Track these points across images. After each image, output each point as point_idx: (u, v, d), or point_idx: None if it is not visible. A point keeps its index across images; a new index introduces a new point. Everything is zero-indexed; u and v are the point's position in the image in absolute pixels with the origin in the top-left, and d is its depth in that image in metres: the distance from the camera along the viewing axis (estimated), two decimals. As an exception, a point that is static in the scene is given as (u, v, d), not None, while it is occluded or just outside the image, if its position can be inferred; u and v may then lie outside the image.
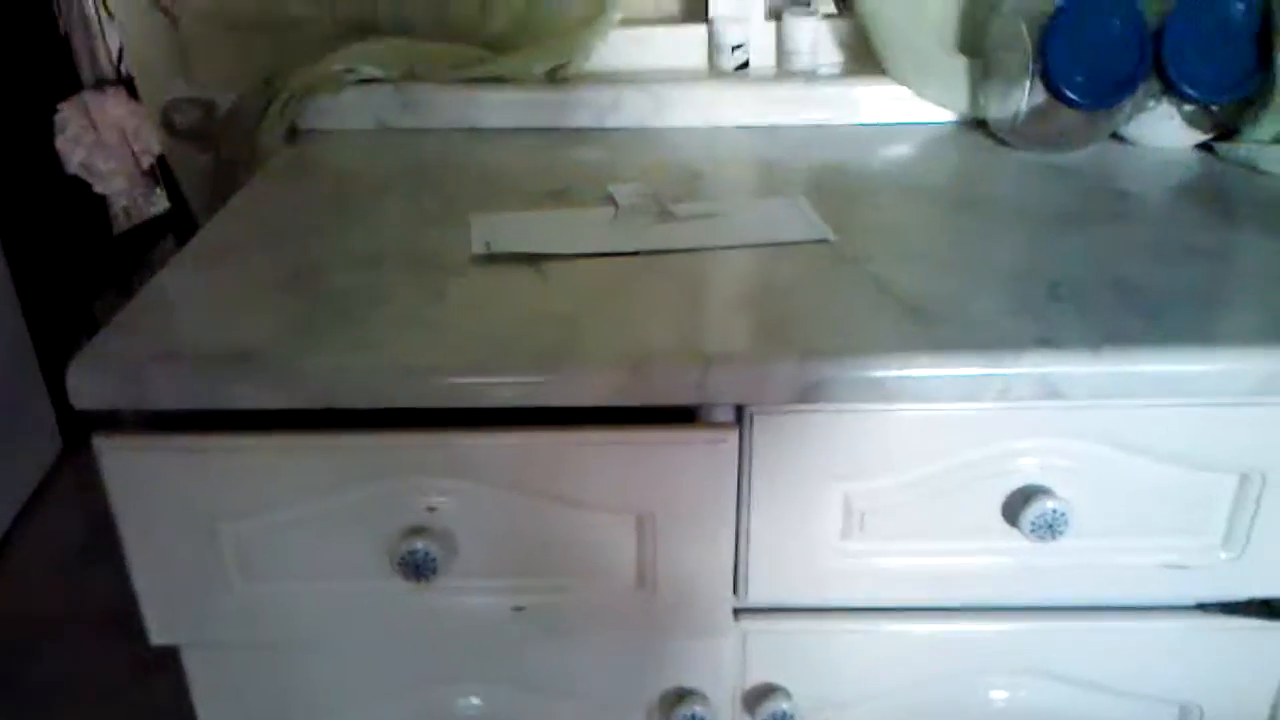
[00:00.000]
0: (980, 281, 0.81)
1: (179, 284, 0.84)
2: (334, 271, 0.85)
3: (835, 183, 1.02)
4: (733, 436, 0.73)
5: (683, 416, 0.74)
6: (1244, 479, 0.76)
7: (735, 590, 0.82)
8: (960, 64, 1.13)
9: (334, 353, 0.72)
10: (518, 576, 0.78)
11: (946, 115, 1.16)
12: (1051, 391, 0.71)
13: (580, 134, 1.16)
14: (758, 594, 0.81)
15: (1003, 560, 0.79)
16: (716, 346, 0.72)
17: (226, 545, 0.77)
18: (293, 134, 1.16)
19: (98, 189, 2.63)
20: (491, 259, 0.87)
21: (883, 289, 0.80)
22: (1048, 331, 0.73)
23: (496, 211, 0.97)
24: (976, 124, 1.15)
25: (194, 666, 0.84)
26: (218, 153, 1.20)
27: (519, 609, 0.79)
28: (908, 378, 0.70)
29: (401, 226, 0.94)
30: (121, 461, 0.74)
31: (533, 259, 0.86)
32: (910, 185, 1.01)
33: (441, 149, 1.13)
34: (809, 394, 0.71)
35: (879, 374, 0.70)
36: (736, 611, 0.83)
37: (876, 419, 0.74)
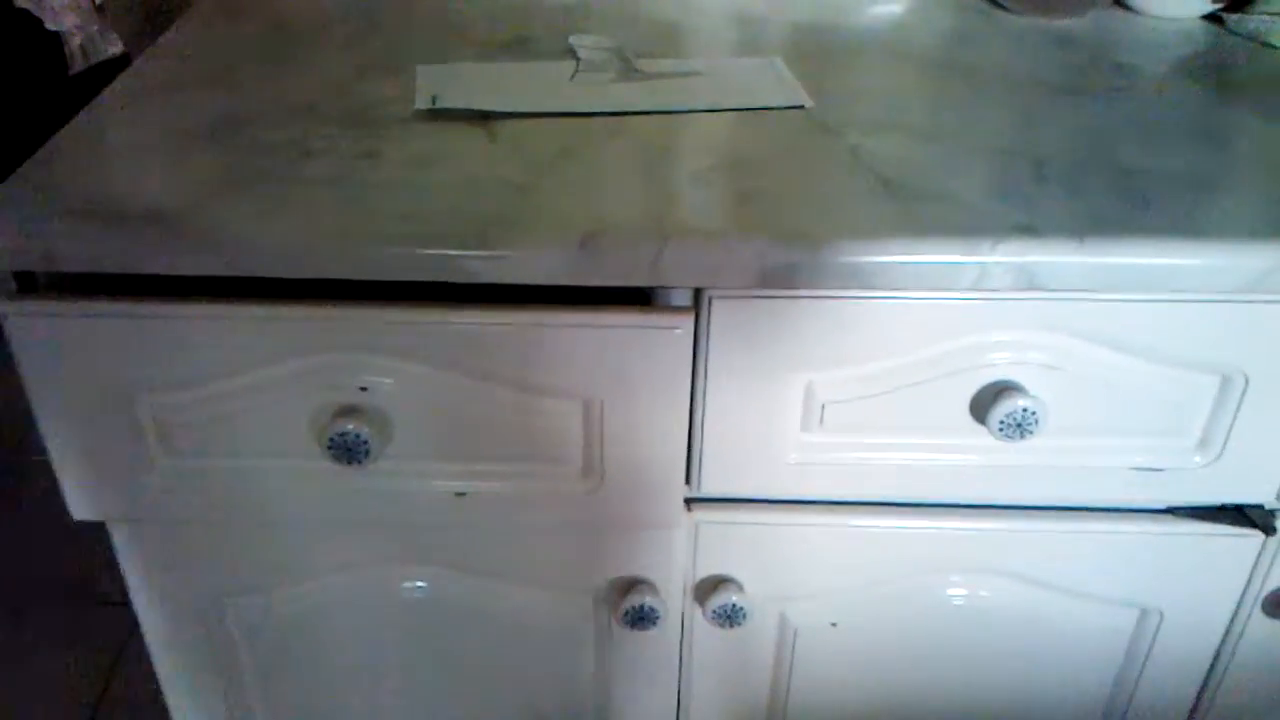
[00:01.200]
0: (962, 157, 0.75)
1: (93, 132, 0.77)
2: (262, 123, 0.77)
3: (817, 43, 0.94)
4: (688, 322, 0.68)
5: (638, 298, 0.69)
6: (1226, 380, 0.72)
7: (688, 480, 0.78)
8: (958, -86, 1.04)
9: (254, 216, 0.66)
10: (459, 461, 0.74)
11: (940, -29, 1.08)
12: (1030, 282, 0.66)
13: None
14: (711, 484, 0.78)
15: (969, 458, 0.76)
16: (674, 223, 0.66)
17: (146, 419, 0.72)
18: (229, -33, 1.06)
19: (49, 25, 2.47)
20: (436, 115, 0.79)
21: (858, 161, 0.74)
22: (1030, 217, 0.67)
23: (446, 62, 0.89)
24: (971, -18, 1.07)
25: (121, 542, 0.80)
26: (148, -15, 1.10)
27: (461, 494, 0.75)
28: (879, 263, 0.65)
29: (340, 74, 0.86)
30: (30, 328, 0.68)
31: (481, 117, 0.79)
32: (896, 48, 0.94)
33: (391, -11, 1.03)
34: (772, 279, 0.65)
35: (849, 259, 0.65)
36: (689, 501, 0.79)
37: (843, 307, 0.69)
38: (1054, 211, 0.68)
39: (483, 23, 0.96)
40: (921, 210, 0.68)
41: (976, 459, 0.76)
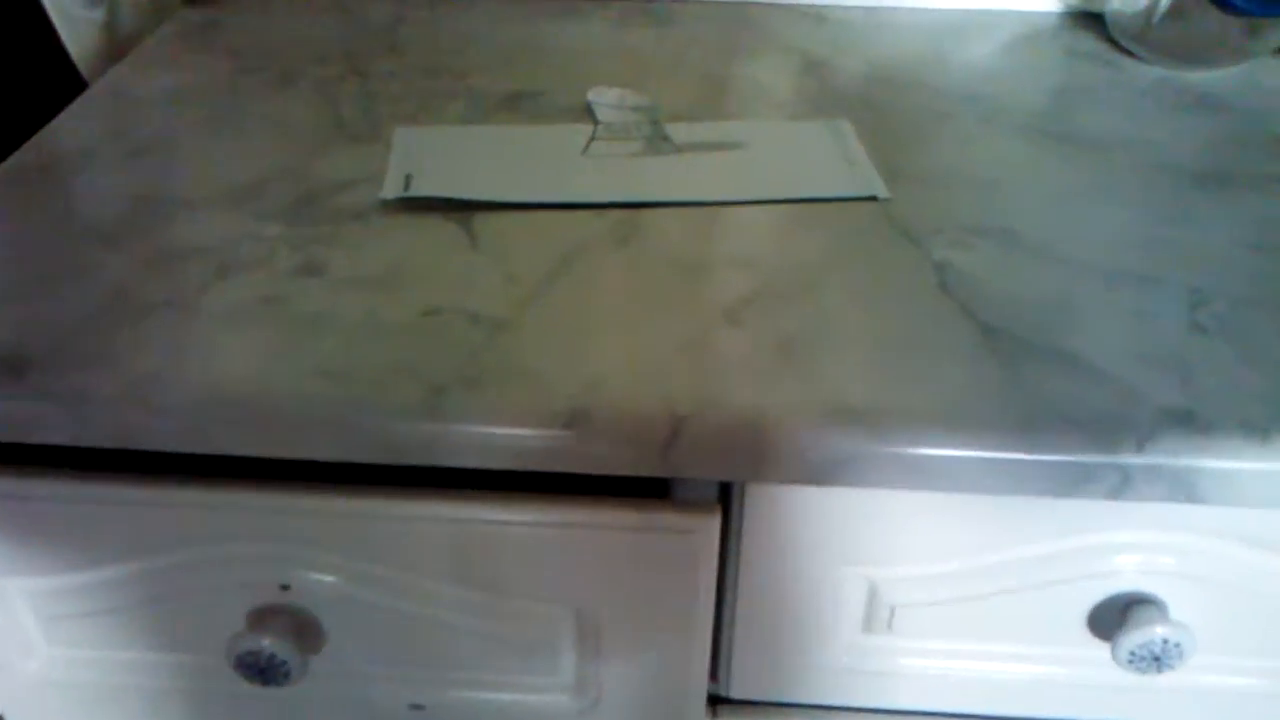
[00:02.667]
0: (1086, 285, 0.56)
1: (-24, 221, 0.61)
2: (183, 217, 0.61)
3: (893, 98, 0.76)
4: (712, 523, 0.50)
5: (649, 482, 0.52)
6: None
7: (714, 675, 0.61)
8: (1076, -65, 0.85)
9: (125, 369, 0.50)
10: (414, 668, 0.58)
11: (1050, 4, 0.88)
12: (1189, 494, 0.47)
13: (568, 4, 0.89)
14: (743, 686, 0.60)
15: (1084, 673, 0.58)
16: (693, 394, 0.49)
17: (20, 606, 0.56)
18: (198, -13, 0.90)
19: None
20: (408, 204, 0.63)
21: (947, 290, 0.56)
22: (1187, 394, 0.49)
23: (434, 123, 0.72)
24: (1088, 19, 0.87)
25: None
26: (111, 7, 0.94)
27: (418, 707, 0.58)
28: (972, 461, 0.47)
29: (301, 139, 0.69)
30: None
31: (465, 207, 0.62)
32: (994, 106, 0.75)
33: (384, 18, 0.86)
34: (825, 474, 0.48)
35: (930, 453, 0.47)
36: (714, 701, 0.62)
37: (919, 500, 0.51)
38: (1220, 385, 0.49)
39: (484, 67, 0.79)
40: (1033, 378, 0.50)
41: (1093, 674, 0.58)
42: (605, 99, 0.74)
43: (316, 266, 0.57)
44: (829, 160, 0.68)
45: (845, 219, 0.62)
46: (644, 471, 0.48)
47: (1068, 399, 0.48)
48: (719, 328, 0.53)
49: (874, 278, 0.57)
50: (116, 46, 0.94)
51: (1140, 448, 0.47)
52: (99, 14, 0.95)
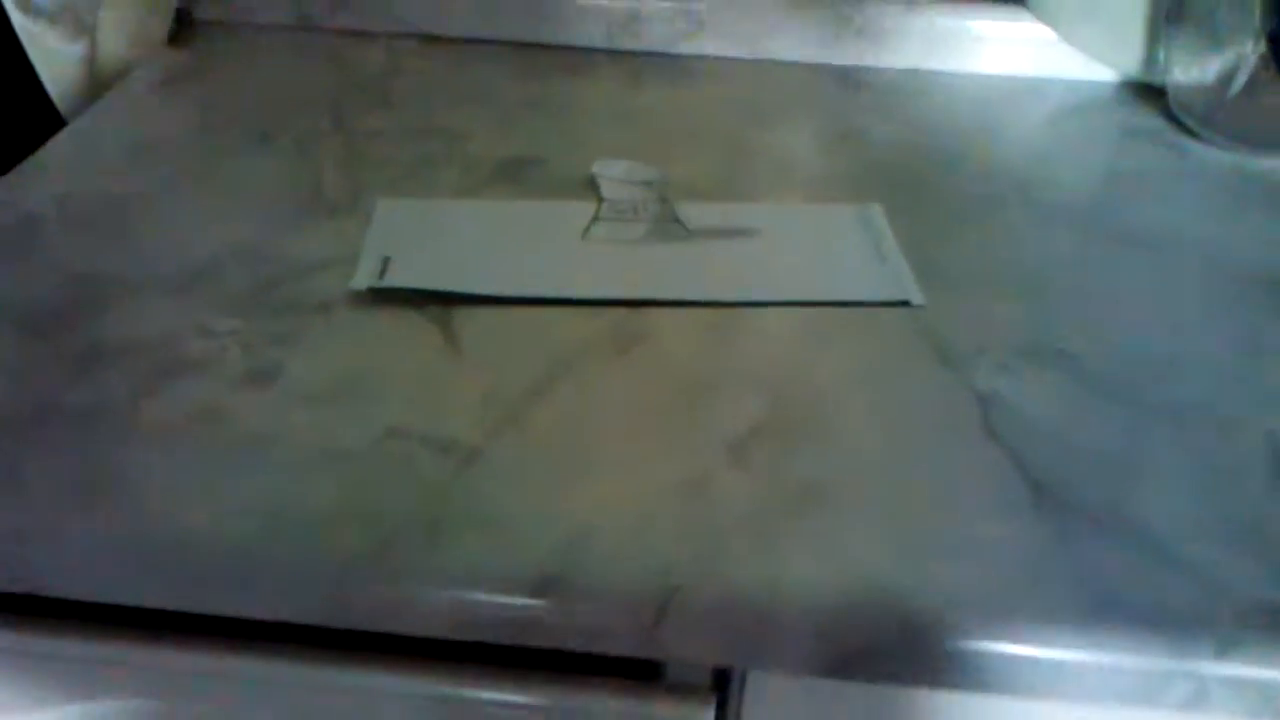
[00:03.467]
0: (1151, 426, 0.49)
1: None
2: (123, 308, 0.54)
3: (932, 177, 0.68)
4: (705, 715, 0.43)
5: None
6: None
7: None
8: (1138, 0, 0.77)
9: (48, 494, 0.43)
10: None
11: (1105, 73, 0.81)
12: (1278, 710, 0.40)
13: (578, 58, 0.82)
14: None
15: None
16: (687, 560, 0.41)
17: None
18: (183, 24, 0.83)
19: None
20: (382, 295, 0.56)
21: (991, 431, 0.48)
22: (1277, 581, 0.41)
23: (421, 193, 0.65)
24: (1147, 92, 0.79)
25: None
26: (91, 43, 0.88)
27: None
28: (1016, 660, 0.39)
29: (272, 209, 0.62)
30: None
31: (445, 300, 0.55)
32: (1043, 192, 0.67)
33: (376, 67, 0.80)
34: (844, 666, 0.40)
35: (965, 646, 0.39)
36: None
37: (951, 700, 0.44)
38: (1315, 571, 0.42)
39: (482, 129, 0.72)
40: (1092, 555, 0.42)
41: None
42: (611, 171, 0.67)
43: (270, 372, 0.50)
44: (857, 253, 0.61)
45: (873, 330, 0.55)
46: (627, 652, 0.41)
47: (1132, 585, 0.41)
48: (723, 468, 0.46)
49: (905, 410, 0.49)
50: (97, 82, 0.87)
51: (1219, 653, 0.39)
52: (79, 48, 0.88)
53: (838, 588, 0.40)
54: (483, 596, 0.41)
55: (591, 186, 0.66)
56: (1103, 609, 0.40)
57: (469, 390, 0.50)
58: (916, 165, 0.70)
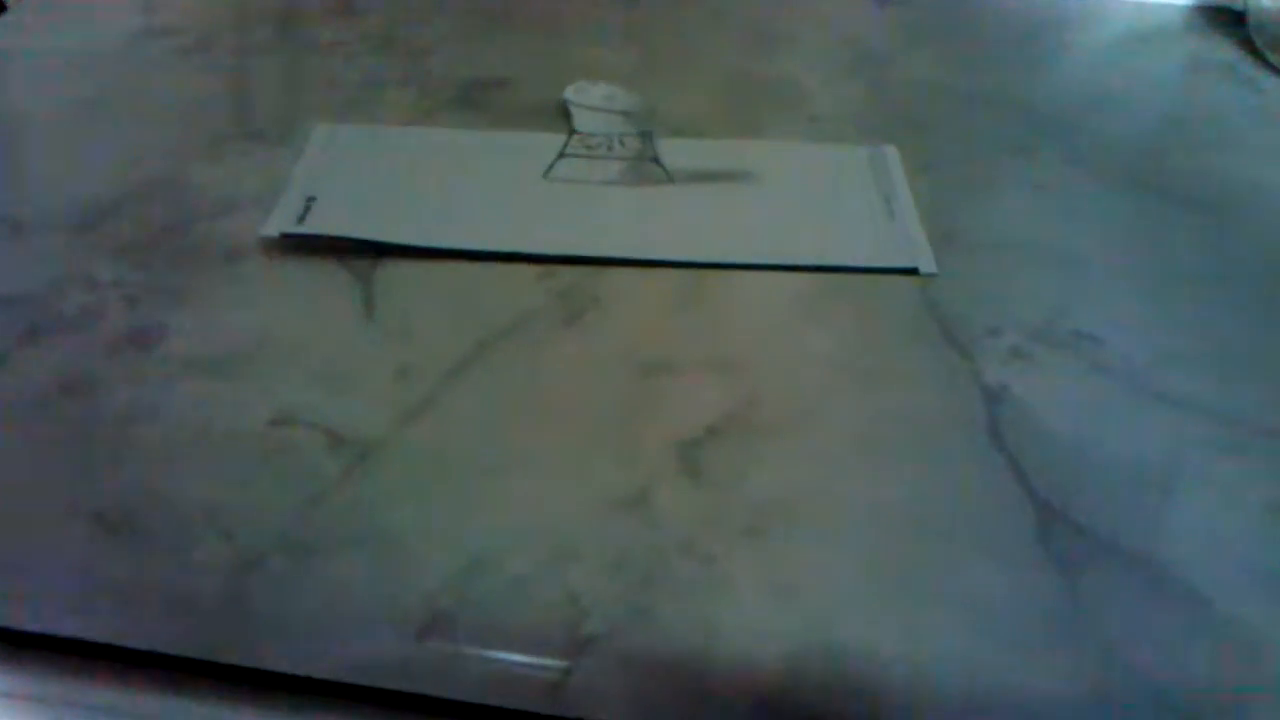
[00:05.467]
0: (1187, 435, 0.40)
1: None
2: (11, 239, 0.47)
3: (961, 117, 0.59)
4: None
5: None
6: None
7: None
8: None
9: None
10: None
11: (1175, -6, 0.70)
12: (1330, 822, 0.32)
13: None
14: None
15: None
16: (608, 600, 0.34)
17: None
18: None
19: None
20: (300, 244, 0.48)
21: (1000, 437, 0.40)
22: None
23: (366, 119, 0.57)
24: (1224, 17, 0.69)
25: None
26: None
27: None
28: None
29: (189, 136, 0.55)
30: None
31: (372, 253, 0.47)
32: (1089, 140, 0.58)
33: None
34: (790, 738, 0.33)
35: (948, 725, 0.32)
36: None
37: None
38: (1389, 646, 0.33)
39: (446, 44, 0.63)
40: (1110, 609, 0.34)
41: None
42: (586, 98, 0.58)
43: (153, 334, 0.43)
44: (864, 207, 0.52)
45: (872, 302, 0.46)
46: (529, 708, 0.34)
47: (1154, 649, 0.33)
48: (669, 476, 0.38)
49: (898, 406, 0.41)
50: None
51: (1263, 754, 0.31)
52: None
53: (790, 643, 0.33)
54: (352, 638, 0.33)
55: (563, 115, 0.57)
56: (1113, 683, 0.32)
57: (381, 365, 0.42)
58: (946, 102, 0.60)
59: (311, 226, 0.48)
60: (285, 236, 0.48)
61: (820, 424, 0.40)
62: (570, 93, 0.58)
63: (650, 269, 0.48)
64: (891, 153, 0.56)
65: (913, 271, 0.48)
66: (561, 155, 0.54)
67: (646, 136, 0.56)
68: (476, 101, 0.58)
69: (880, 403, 0.41)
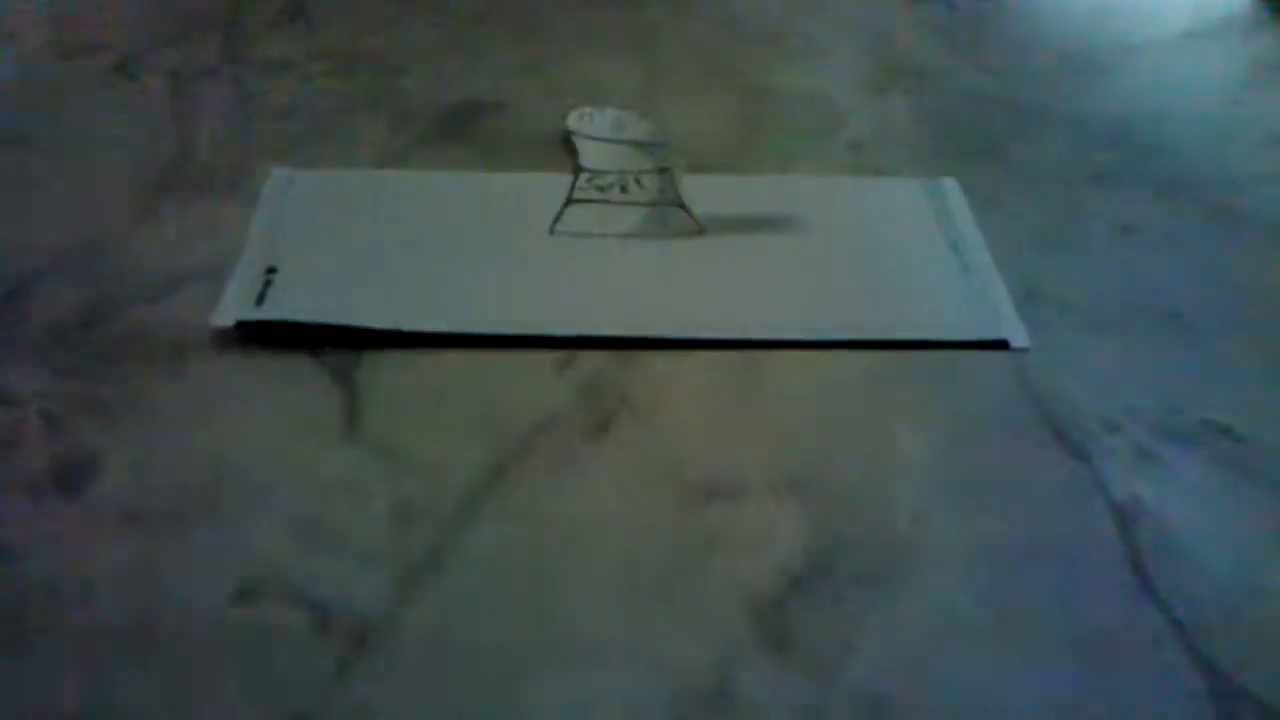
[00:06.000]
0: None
1: None
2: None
3: (1018, 138, 0.51)
4: None
5: None
6: None
7: None
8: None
9: None
10: None
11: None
12: None
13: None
14: None
15: None
16: None
17: None
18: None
19: None
20: (258, 333, 0.39)
21: (1142, 568, 0.32)
22: None
23: (330, 160, 0.47)
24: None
25: None
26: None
27: None
28: None
29: (116, 184, 0.45)
30: None
31: (346, 339, 0.39)
32: (1190, 168, 0.50)
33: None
34: None
35: None
36: None
37: None
38: None
39: (422, 59, 0.54)
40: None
41: None
42: (592, 127, 0.49)
43: (81, 468, 0.34)
44: (930, 257, 0.44)
45: (960, 386, 0.39)
46: None
47: None
48: (751, 652, 0.30)
49: (1017, 533, 0.34)
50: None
51: None
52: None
53: None
54: None
55: (565, 145, 0.49)
56: None
57: (373, 501, 0.33)
58: (1000, 119, 0.52)
59: (275, 309, 0.39)
60: (242, 325, 0.39)
61: (927, 565, 0.33)
62: (573, 121, 0.49)
63: (689, 351, 0.39)
64: (951, 186, 0.48)
65: (1002, 345, 0.40)
66: (569, 201, 0.46)
67: (666, 174, 0.47)
68: (461, 132, 0.49)
69: (993, 531, 0.34)
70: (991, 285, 0.43)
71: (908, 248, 0.45)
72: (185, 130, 0.48)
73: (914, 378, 0.39)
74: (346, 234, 0.43)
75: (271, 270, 0.41)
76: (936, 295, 0.42)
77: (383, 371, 0.38)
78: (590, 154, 0.48)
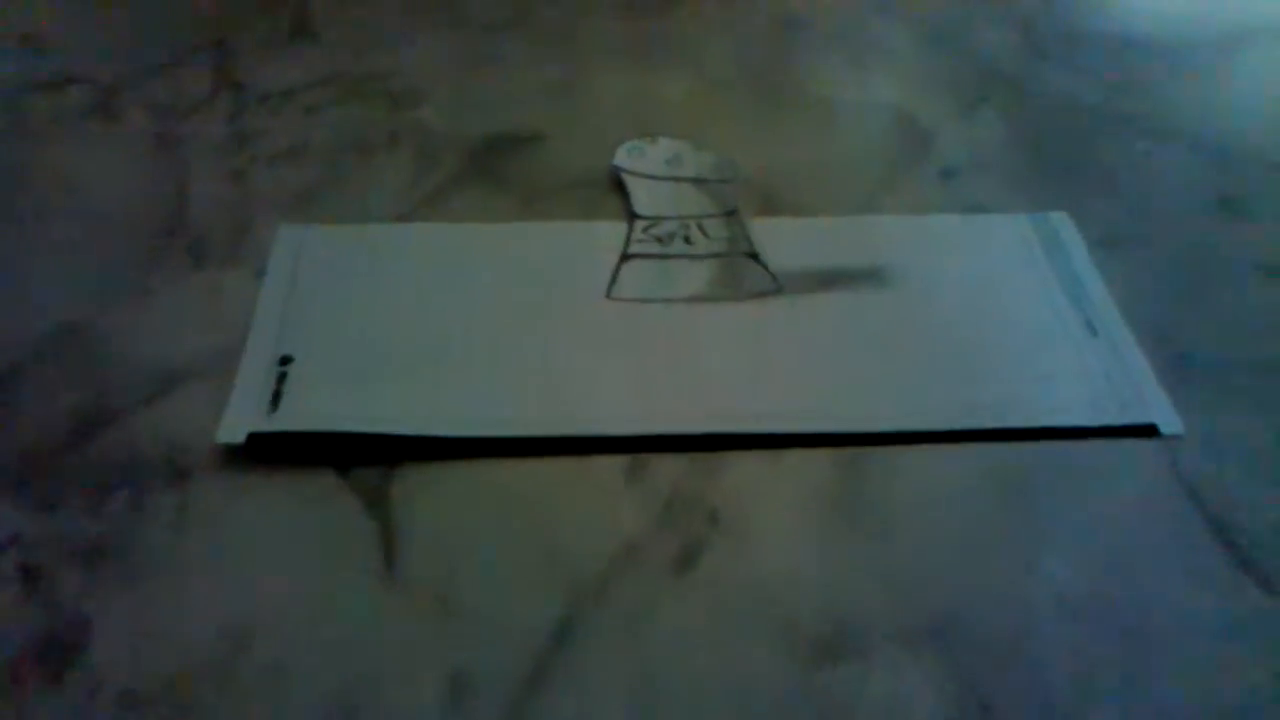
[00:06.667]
0: None
1: None
2: None
3: (1124, 155, 0.45)
4: None
5: None
6: None
7: None
8: None
9: None
10: None
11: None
12: None
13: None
14: None
15: None
16: None
17: None
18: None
19: None
20: (265, 449, 0.33)
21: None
22: None
23: (344, 212, 0.41)
24: None
25: None
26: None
27: None
28: None
29: (94, 253, 0.39)
30: None
31: (382, 454, 0.32)
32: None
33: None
34: None
35: None
36: None
37: None
38: None
39: (444, 82, 0.47)
40: None
41: None
42: (645, 163, 0.43)
43: (71, 636, 0.28)
44: (1049, 315, 0.38)
45: (1106, 487, 0.33)
46: None
47: None
48: None
49: (1190, 687, 0.28)
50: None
51: None
52: None
53: None
54: None
55: (615, 185, 0.42)
56: None
57: (421, 669, 0.28)
58: (1106, 135, 0.46)
59: (293, 416, 0.33)
60: (254, 440, 0.32)
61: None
62: (623, 157, 0.43)
63: (782, 451, 0.33)
64: (1062, 222, 0.41)
65: (1149, 431, 0.34)
66: (625, 257, 0.39)
67: (735, 218, 0.41)
68: (495, 171, 0.43)
69: (1169, 700, 0.28)
70: (1125, 349, 0.36)
71: (1022, 304, 0.38)
72: (175, 181, 0.42)
73: (1048, 479, 0.33)
74: (371, 305, 0.37)
75: (285, 360, 0.35)
76: (1063, 367, 0.36)
77: (423, 491, 0.32)
78: (644, 197, 0.42)
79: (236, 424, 0.33)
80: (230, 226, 0.40)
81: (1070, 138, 0.45)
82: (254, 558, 0.30)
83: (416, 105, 0.46)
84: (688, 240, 0.40)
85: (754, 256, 0.39)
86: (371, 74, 0.47)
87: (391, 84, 0.47)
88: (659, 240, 0.40)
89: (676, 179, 0.42)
